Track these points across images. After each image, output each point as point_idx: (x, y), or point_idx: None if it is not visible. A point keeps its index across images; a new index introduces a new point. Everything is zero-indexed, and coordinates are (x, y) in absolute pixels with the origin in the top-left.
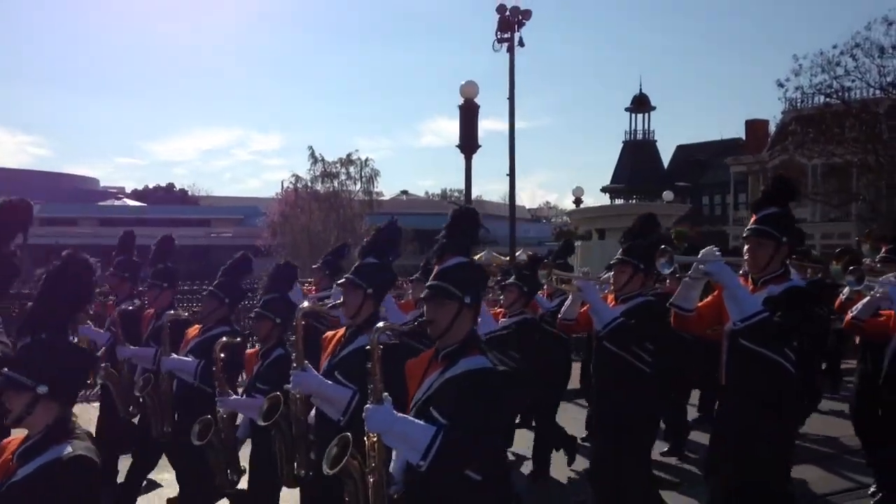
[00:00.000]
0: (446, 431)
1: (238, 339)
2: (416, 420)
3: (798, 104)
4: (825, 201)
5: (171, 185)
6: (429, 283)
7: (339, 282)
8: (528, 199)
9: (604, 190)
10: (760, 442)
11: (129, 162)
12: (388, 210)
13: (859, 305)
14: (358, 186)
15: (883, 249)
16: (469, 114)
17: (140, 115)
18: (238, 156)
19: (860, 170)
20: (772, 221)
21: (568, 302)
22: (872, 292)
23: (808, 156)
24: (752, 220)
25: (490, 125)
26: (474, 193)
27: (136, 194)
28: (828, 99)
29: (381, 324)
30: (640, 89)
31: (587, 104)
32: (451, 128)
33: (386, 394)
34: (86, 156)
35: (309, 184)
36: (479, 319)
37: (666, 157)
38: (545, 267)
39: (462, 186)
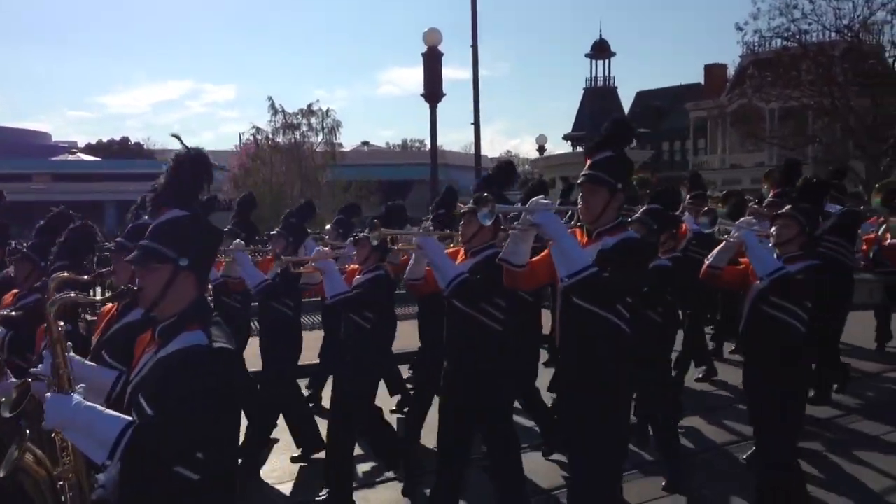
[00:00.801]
0: (143, 424)
1: None
2: (108, 411)
3: (756, 48)
4: (782, 145)
5: (125, 139)
6: (137, 245)
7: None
8: (489, 147)
9: (566, 137)
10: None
11: (81, 115)
12: (350, 161)
13: (715, 252)
14: (320, 138)
15: (771, 193)
16: (433, 62)
17: (90, 66)
18: (192, 108)
19: (816, 113)
20: (605, 166)
21: (412, 262)
22: (727, 237)
23: (765, 99)
24: (587, 164)
25: (449, 73)
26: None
27: (89, 148)
28: (785, 42)
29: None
30: (601, 35)
31: (548, 51)
32: (410, 77)
33: (81, 385)
34: (35, 109)
35: (270, 135)
36: (328, 281)
37: (627, 104)
38: (374, 228)
39: (422, 136)
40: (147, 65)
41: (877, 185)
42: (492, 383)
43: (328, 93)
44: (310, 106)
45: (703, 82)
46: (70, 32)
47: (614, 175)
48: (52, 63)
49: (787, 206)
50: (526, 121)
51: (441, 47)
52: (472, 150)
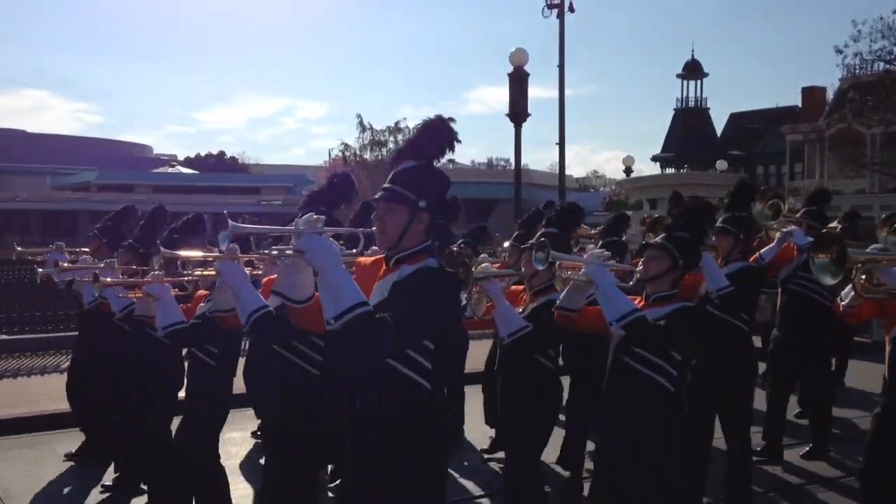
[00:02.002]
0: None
1: None
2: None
3: (857, 71)
4: (884, 171)
5: (221, 153)
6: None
7: None
8: (575, 168)
9: (654, 159)
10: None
11: (180, 130)
12: None
13: (564, 293)
14: None
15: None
16: (518, 82)
17: (190, 84)
18: (285, 124)
19: None
20: (407, 180)
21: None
22: (574, 273)
23: (866, 124)
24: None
25: (536, 93)
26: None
27: (188, 162)
28: (888, 66)
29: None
30: (693, 55)
31: (637, 71)
32: (497, 96)
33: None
34: (138, 124)
35: (357, 152)
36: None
37: (719, 126)
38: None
39: (507, 155)
40: (244, 83)
41: (884, 217)
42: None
43: (415, 110)
44: (397, 123)
45: (800, 105)
46: (172, 53)
47: (415, 194)
48: (155, 81)
49: (661, 235)
50: (612, 141)
51: (527, 67)
52: (557, 170)
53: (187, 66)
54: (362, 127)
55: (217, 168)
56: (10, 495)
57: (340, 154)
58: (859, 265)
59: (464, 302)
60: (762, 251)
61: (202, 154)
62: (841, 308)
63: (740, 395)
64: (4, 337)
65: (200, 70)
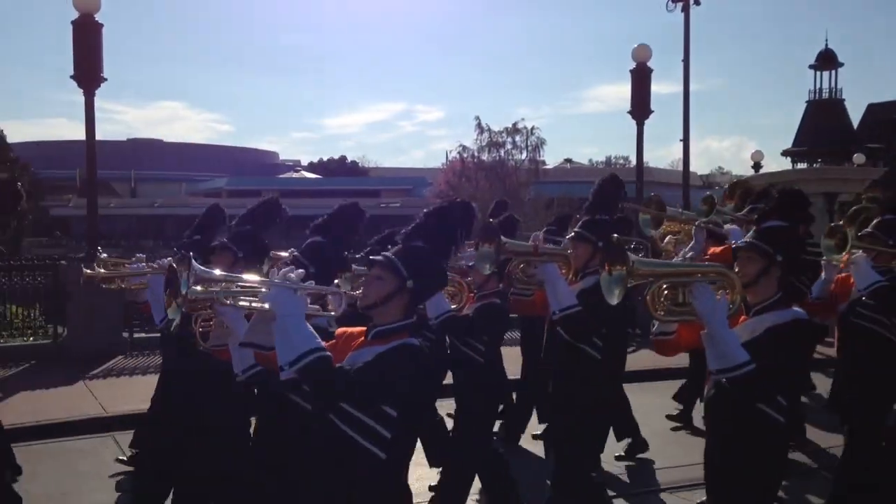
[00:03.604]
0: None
1: None
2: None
3: None
4: None
5: (343, 158)
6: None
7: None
8: (699, 164)
9: (785, 154)
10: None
11: (304, 136)
12: (553, 179)
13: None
14: (524, 155)
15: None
16: (641, 78)
17: (313, 91)
18: (403, 128)
19: None
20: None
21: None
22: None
23: None
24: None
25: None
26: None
27: (311, 167)
28: None
29: None
30: (826, 44)
31: (765, 63)
32: (615, 93)
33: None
34: (265, 131)
35: (476, 154)
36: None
37: (855, 118)
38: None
39: (626, 153)
40: (363, 89)
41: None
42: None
43: (533, 110)
44: (515, 124)
45: None
46: (297, 62)
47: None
48: (280, 90)
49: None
50: (739, 136)
51: (650, 63)
52: (679, 167)
53: (311, 75)
54: (480, 129)
55: (339, 172)
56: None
57: (458, 156)
58: (653, 279)
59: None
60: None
61: (325, 159)
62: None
63: None
64: (142, 335)
65: (323, 78)
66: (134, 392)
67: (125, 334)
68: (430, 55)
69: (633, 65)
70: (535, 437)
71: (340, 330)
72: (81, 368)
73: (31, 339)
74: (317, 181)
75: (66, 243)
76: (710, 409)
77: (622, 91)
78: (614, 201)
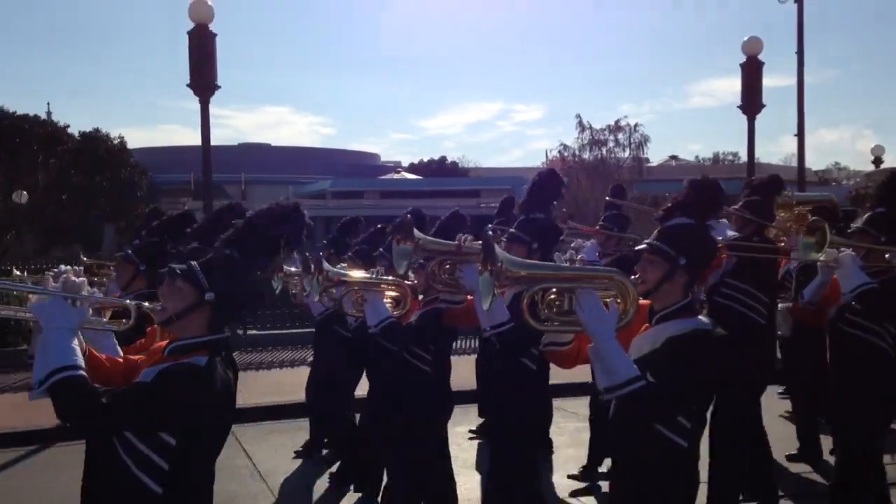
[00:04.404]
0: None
1: None
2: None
3: None
4: None
5: (443, 159)
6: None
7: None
8: (813, 159)
9: None
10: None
11: (404, 137)
12: (658, 176)
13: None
14: (626, 153)
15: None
16: (752, 71)
17: (412, 93)
18: (502, 128)
19: None
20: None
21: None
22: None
23: None
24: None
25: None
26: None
27: (412, 168)
28: None
29: None
30: None
31: (886, 51)
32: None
33: None
34: (365, 133)
35: (576, 152)
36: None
37: None
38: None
39: (735, 148)
40: (462, 90)
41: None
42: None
43: (636, 107)
44: (617, 122)
45: None
46: (396, 65)
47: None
48: (380, 91)
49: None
50: (855, 128)
51: (761, 56)
52: (791, 162)
53: (410, 77)
54: (581, 126)
55: (439, 173)
56: (267, 473)
57: (558, 154)
58: (531, 283)
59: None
60: None
61: (425, 160)
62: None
63: None
64: (255, 332)
65: (422, 79)
66: (253, 387)
67: (239, 331)
68: (528, 54)
69: (743, 58)
70: (471, 432)
71: (160, 343)
72: None
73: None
74: (417, 182)
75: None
76: (612, 433)
77: (730, 85)
78: (551, 198)
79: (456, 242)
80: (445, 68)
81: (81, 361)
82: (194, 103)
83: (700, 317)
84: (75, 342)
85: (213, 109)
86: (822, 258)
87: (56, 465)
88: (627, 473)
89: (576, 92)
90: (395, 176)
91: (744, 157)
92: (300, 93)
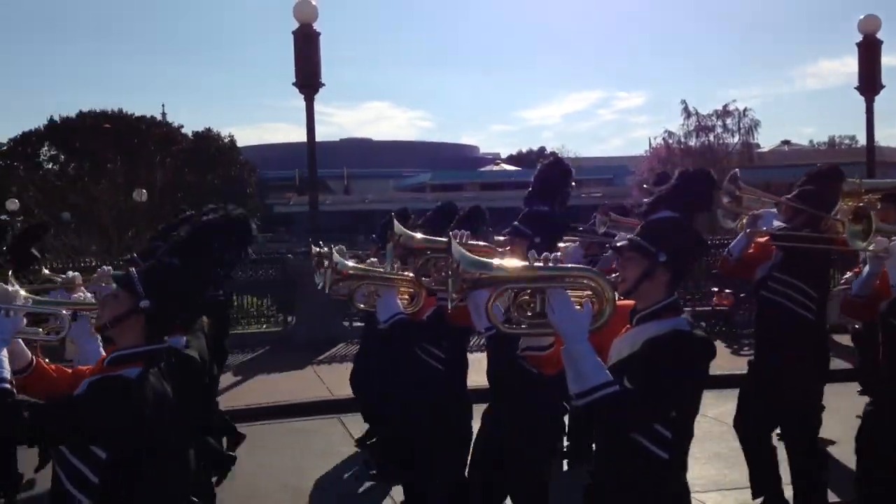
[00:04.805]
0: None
1: None
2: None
3: None
4: None
5: (542, 149)
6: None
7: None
8: None
9: None
10: None
11: (503, 129)
12: (769, 162)
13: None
14: (735, 139)
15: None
16: (870, 50)
17: (510, 84)
18: (602, 116)
19: None
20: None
21: None
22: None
23: None
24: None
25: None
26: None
27: (511, 159)
28: None
29: None
30: None
31: None
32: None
33: None
34: (465, 126)
35: (682, 139)
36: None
37: None
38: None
39: (852, 132)
40: (561, 79)
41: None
42: None
43: (743, 91)
44: (725, 106)
45: None
46: (493, 57)
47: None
48: (478, 83)
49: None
50: None
51: (879, 34)
52: None
53: (508, 68)
54: (687, 113)
55: (538, 163)
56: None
57: (662, 142)
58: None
59: None
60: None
61: (524, 151)
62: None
63: None
64: (360, 325)
65: (520, 70)
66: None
67: (345, 323)
68: (629, 40)
69: (859, 37)
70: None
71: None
72: (309, 354)
73: (265, 326)
74: (516, 173)
75: (287, 238)
76: (594, 441)
77: (845, 66)
78: (558, 190)
79: (444, 239)
80: (544, 58)
81: (7, 374)
82: (299, 101)
83: (682, 317)
84: (4, 353)
85: (316, 106)
86: (870, 248)
87: None
88: (605, 487)
89: (679, 78)
90: (495, 168)
91: (862, 141)
92: (400, 88)
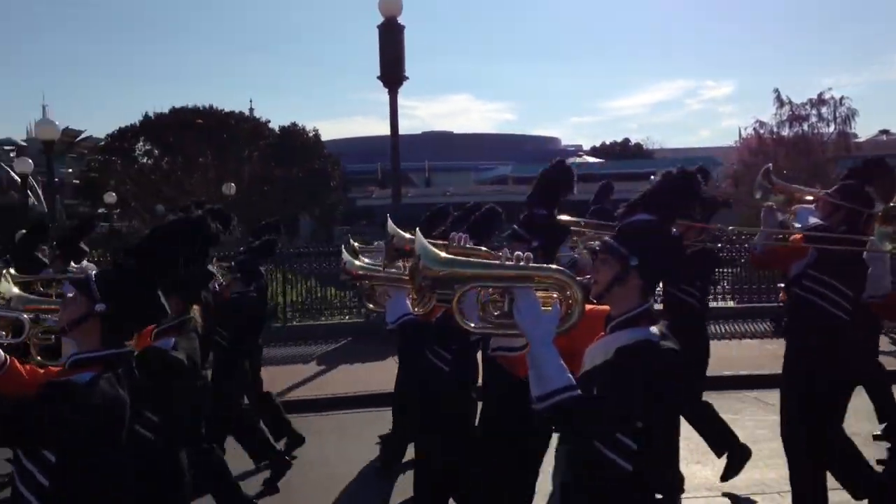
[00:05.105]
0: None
1: None
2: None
3: None
4: None
5: (626, 141)
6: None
7: None
8: None
9: None
10: None
11: (584, 121)
12: (867, 152)
13: None
14: (831, 129)
15: None
16: None
17: (591, 75)
18: (689, 106)
19: None
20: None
21: None
22: None
23: None
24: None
25: None
26: None
27: (593, 151)
28: None
29: None
30: None
31: None
32: None
33: None
34: (546, 118)
35: (774, 129)
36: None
37: None
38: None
39: None
40: (645, 69)
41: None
42: None
43: (838, 79)
44: (820, 95)
45: None
46: (573, 48)
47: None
48: (560, 75)
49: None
50: None
51: None
52: None
53: (589, 60)
54: (779, 102)
55: (622, 155)
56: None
57: (753, 132)
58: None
59: None
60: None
61: (607, 142)
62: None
63: None
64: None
65: (603, 61)
66: None
67: None
68: (717, 28)
69: None
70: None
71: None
72: (391, 345)
73: (347, 317)
74: (598, 165)
75: (367, 232)
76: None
77: None
78: (558, 193)
79: (443, 242)
80: (627, 48)
81: None
82: (381, 95)
83: (652, 328)
84: None
85: (399, 100)
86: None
87: None
88: (571, 491)
89: (771, 66)
90: (577, 160)
91: None
92: (480, 80)
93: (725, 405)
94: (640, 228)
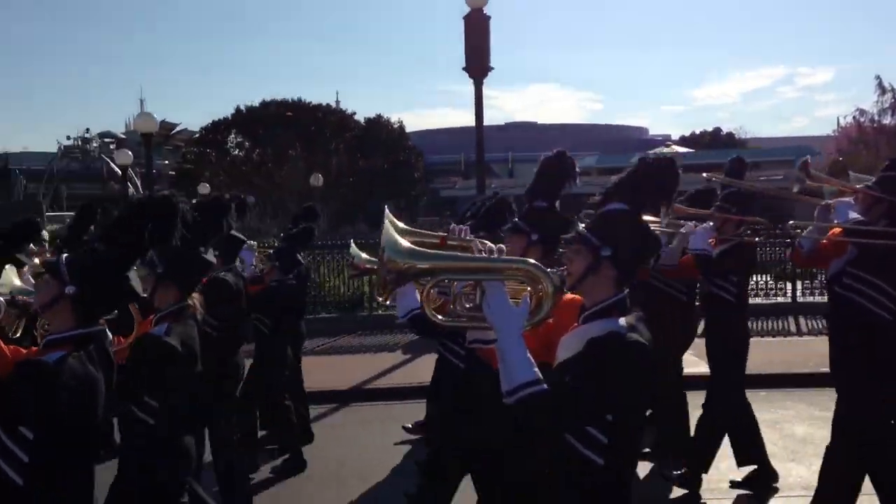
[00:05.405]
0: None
1: None
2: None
3: None
4: None
5: (717, 130)
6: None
7: None
8: None
9: None
10: None
11: (673, 109)
12: None
13: None
14: None
15: None
16: None
17: (680, 63)
18: (784, 94)
19: None
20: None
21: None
22: None
23: None
24: None
25: None
26: None
27: (682, 140)
28: None
29: None
30: None
31: None
32: None
33: None
34: (633, 107)
35: (876, 117)
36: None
37: None
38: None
39: None
40: (736, 56)
41: None
42: None
43: None
44: None
45: None
46: (661, 35)
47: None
48: (648, 63)
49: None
50: None
51: None
52: None
53: (677, 46)
54: (881, 88)
55: (712, 145)
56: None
57: (853, 120)
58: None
59: None
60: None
61: (697, 132)
62: None
63: None
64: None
65: (690, 48)
66: None
67: None
68: (813, 12)
69: None
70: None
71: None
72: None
73: None
74: (688, 155)
75: (448, 223)
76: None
77: None
78: (561, 185)
79: (442, 234)
80: (719, 34)
81: None
82: (465, 86)
83: (621, 319)
84: None
85: (484, 91)
86: None
87: None
88: (543, 493)
89: (872, 51)
90: (665, 150)
91: None
92: (566, 69)
93: (822, 402)
94: (612, 218)
